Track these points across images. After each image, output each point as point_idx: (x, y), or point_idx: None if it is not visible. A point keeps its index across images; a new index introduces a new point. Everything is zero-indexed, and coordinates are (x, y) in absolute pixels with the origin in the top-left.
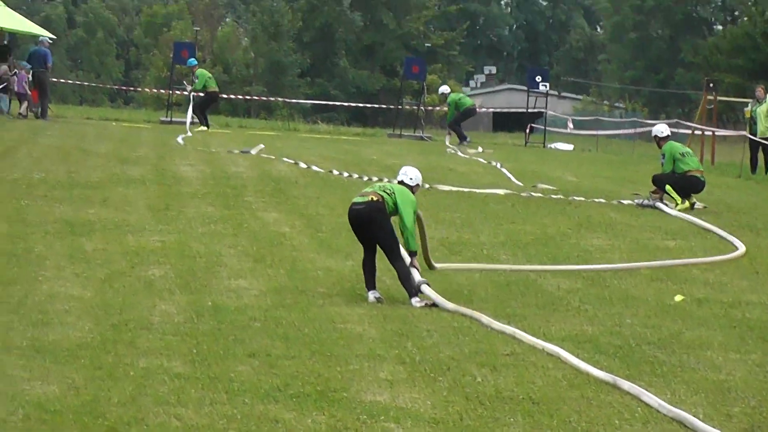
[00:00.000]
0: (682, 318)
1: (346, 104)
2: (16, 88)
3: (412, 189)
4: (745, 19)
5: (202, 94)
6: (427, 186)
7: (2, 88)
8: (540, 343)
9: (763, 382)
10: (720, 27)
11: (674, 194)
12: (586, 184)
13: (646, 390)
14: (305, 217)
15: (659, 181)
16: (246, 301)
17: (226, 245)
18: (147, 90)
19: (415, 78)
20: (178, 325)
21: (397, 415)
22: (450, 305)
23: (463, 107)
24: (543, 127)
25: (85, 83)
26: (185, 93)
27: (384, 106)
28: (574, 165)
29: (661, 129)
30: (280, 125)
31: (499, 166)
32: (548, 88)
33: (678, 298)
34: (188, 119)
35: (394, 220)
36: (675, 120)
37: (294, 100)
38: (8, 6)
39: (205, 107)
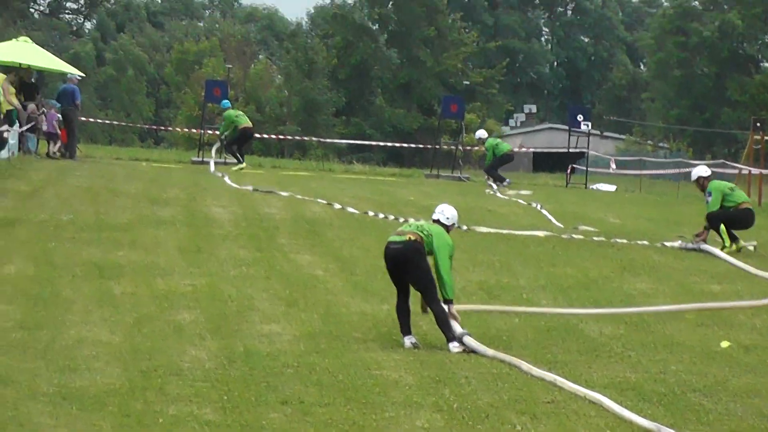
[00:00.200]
0: (729, 364)
1: (382, 144)
2: (45, 128)
3: (448, 228)
4: None
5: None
6: (464, 227)
7: (30, 127)
8: (582, 390)
9: None
10: (767, 64)
11: (725, 236)
12: (629, 225)
13: None
14: (340, 259)
15: (714, 219)
16: (278, 347)
17: (258, 289)
18: (178, 129)
19: (453, 117)
20: (208, 371)
21: None
22: (489, 351)
23: (501, 153)
24: (585, 168)
25: (115, 122)
26: (218, 133)
27: (421, 145)
28: (617, 206)
29: (703, 169)
30: (315, 165)
31: (539, 207)
32: (590, 127)
33: (724, 344)
34: (212, 159)
35: (429, 261)
36: (721, 160)
37: (328, 140)
38: (36, 43)
39: (240, 144)
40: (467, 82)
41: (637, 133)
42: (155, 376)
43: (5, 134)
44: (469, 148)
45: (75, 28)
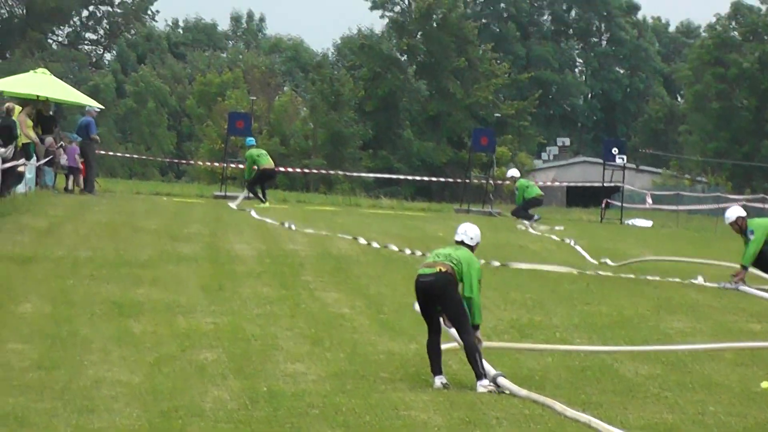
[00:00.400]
0: None
1: (410, 178)
2: (65, 162)
3: (473, 248)
4: None
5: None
6: (497, 264)
7: (48, 161)
8: None
9: None
10: None
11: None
12: (665, 262)
13: None
14: (366, 297)
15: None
16: (303, 387)
17: (282, 327)
18: (200, 163)
19: (484, 150)
20: (231, 412)
21: None
22: (522, 391)
23: (530, 196)
24: (620, 203)
25: (135, 156)
26: (241, 166)
27: (451, 179)
28: (653, 242)
29: (739, 209)
30: (341, 200)
31: (572, 243)
32: (625, 160)
33: (765, 384)
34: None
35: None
36: (761, 195)
37: (355, 174)
38: (54, 75)
39: (260, 183)
40: (498, 115)
41: (674, 166)
42: (176, 418)
43: (22, 168)
44: (500, 182)
45: (94, 60)
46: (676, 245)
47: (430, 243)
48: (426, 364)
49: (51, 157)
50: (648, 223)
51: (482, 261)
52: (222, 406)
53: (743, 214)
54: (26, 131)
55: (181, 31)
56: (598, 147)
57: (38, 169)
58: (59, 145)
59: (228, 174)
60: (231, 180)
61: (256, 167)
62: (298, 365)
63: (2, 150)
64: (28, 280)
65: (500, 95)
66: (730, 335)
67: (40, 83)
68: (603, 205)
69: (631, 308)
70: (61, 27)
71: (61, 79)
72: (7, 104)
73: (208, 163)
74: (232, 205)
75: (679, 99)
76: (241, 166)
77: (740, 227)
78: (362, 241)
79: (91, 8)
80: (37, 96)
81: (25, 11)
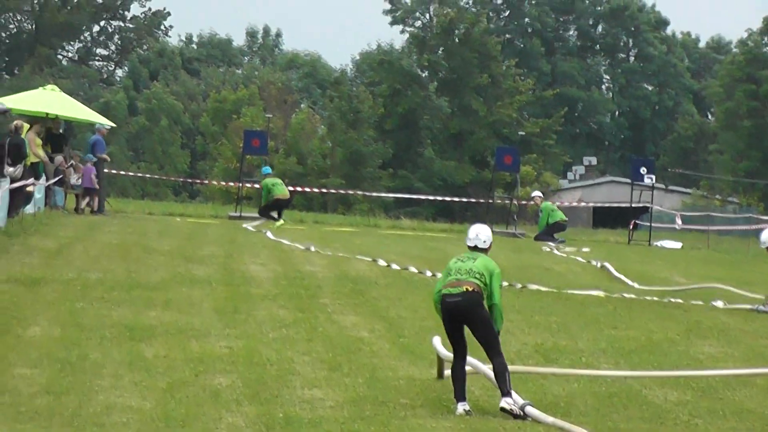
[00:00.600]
0: None
1: (431, 198)
2: (75, 181)
3: (486, 251)
4: None
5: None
6: (519, 286)
7: (57, 180)
8: None
9: None
10: None
11: None
12: (696, 282)
13: None
14: (386, 320)
15: None
16: (321, 413)
17: (299, 352)
18: (214, 182)
19: (508, 169)
20: None
21: None
22: (548, 418)
23: (554, 221)
24: (648, 223)
25: (147, 175)
26: (257, 186)
27: (473, 200)
28: (683, 264)
29: None
30: (360, 221)
31: (598, 265)
32: (654, 180)
33: None
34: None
35: None
36: None
37: (374, 194)
38: (64, 92)
39: (273, 210)
40: (522, 133)
41: (705, 186)
42: None
43: (31, 188)
44: (524, 202)
45: (105, 76)
46: (707, 268)
47: None
48: (448, 390)
49: (61, 176)
50: (677, 245)
51: (518, 285)
52: None
53: None
54: (35, 150)
55: (195, 47)
56: (626, 166)
57: (48, 189)
58: (69, 164)
59: (243, 194)
60: (246, 200)
61: (272, 195)
62: (315, 391)
63: (11, 169)
64: (37, 302)
65: (524, 113)
66: (763, 360)
67: (50, 100)
68: (631, 226)
69: (660, 332)
70: (72, 42)
71: (71, 96)
72: (15, 122)
73: (223, 183)
74: (248, 226)
75: (709, 117)
76: (256, 186)
77: None
78: (381, 262)
79: (102, 23)
80: (47, 113)
81: (34, 26)
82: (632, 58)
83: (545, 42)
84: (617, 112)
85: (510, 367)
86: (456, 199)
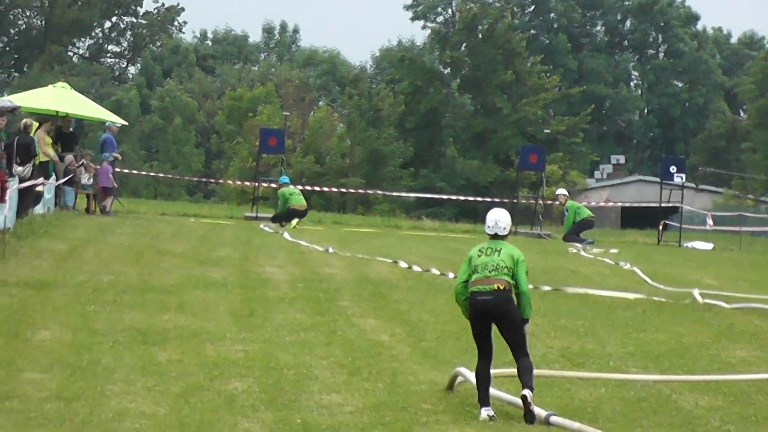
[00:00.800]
0: None
1: (454, 198)
2: (90, 181)
3: (506, 237)
4: None
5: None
6: (547, 288)
7: (67, 180)
8: None
9: None
10: None
11: None
12: (727, 288)
13: None
14: (407, 323)
15: None
16: (340, 419)
17: (317, 356)
18: (230, 182)
19: (533, 168)
20: None
21: None
22: (575, 424)
23: (580, 218)
24: (678, 224)
25: (161, 175)
26: (273, 186)
27: (497, 199)
28: (714, 267)
29: None
30: (380, 221)
31: (626, 266)
32: (684, 179)
33: None
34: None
35: None
36: None
37: (395, 194)
38: (75, 89)
39: (288, 219)
40: (548, 131)
41: (737, 186)
42: None
43: (40, 188)
44: (549, 202)
45: (117, 74)
46: (740, 270)
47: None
48: (471, 395)
49: (71, 176)
50: (708, 246)
51: (547, 287)
52: None
53: None
54: (45, 149)
55: (210, 43)
56: (655, 165)
57: (57, 189)
58: (80, 163)
59: (259, 194)
60: (263, 200)
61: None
62: (334, 396)
63: (20, 169)
64: (47, 306)
65: (550, 110)
66: None
67: (60, 98)
68: (660, 226)
69: (691, 336)
70: (82, 39)
71: (82, 93)
72: (24, 120)
73: (239, 183)
74: (265, 226)
75: (741, 114)
76: (273, 185)
77: None
78: (402, 264)
79: (114, 19)
80: (57, 111)
81: (44, 23)
82: (662, 55)
83: (572, 38)
84: (646, 110)
85: (535, 371)
86: (479, 199)
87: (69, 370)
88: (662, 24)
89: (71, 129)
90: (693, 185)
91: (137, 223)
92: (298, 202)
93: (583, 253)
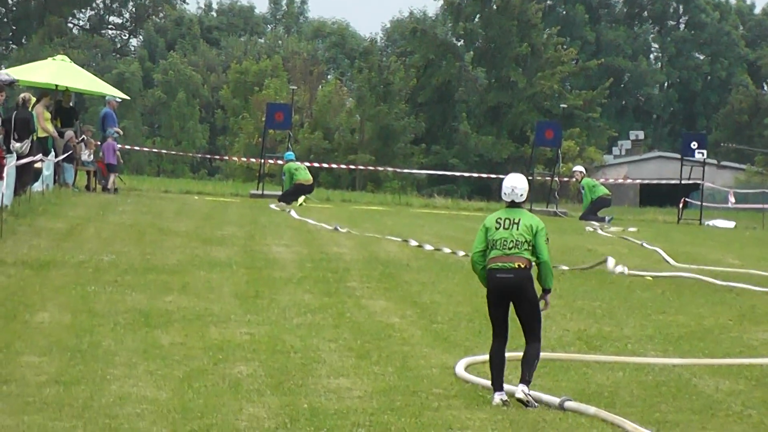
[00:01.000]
0: None
1: (467, 175)
2: (91, 158)
3: (523, 204)
4: None
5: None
6: (564, 267)
7: (67, 157)
8: None
9: None
10: None
11: None
12: (750, 267)
13: None
14: (418, 305)
15: None
16: (348, 404)
17: (325, 339)
18: (235, 159)
19: (549, 144)
20: None
21: None
22: (590, 409)
23: (597, 196)
24: (699, 202)
25: (164, 151)
26: (279, 162)
27: None
28: (737, 246)
29: None
30: (391, 199)
31: (643, 244)
32: (705, 155)
33: None
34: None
35: None
36: None
37: (406, 171)
38: (75, 63)
39: (295, 196)
40: (565, 106)
41: (760, 162)
42: None
43: (39, 165)
44: (566, 179)
45: (119, 46)
46: (763, 249)
47: None
48: (484, 378)
49: (71, 152)
50: (730, 224)
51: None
52: (258, 426)
53: None
54: (44, 124)
55: (215, 15)
56: (676, 141)
57: (57, 166)
58: (80, 139)
59: (266, 171)
60: (269, 177)
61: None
62: (342, 380)
63: (18, 145)
64: (46, 287)
65: (567, 84)
66: None
67: (60, 72)
68: (681, 204)
69: (712, 318)
70: (83, 10)
71: (83, 67)
72: (23, 95)
73: (244, 159)
74: (274, 205)
75: (765, 88)
76: (279, 162)
77: None
78: (413, 243)
79: None
80: (56, 86)
81: None
82: (682, 26)
83: (589, 9)
84: (666, 84)
85: (550, 355)
86: (493, 176)
87: (68, 353)
88: None
89: (71, 104)
90: (714, 162)
91: (139, 201)
92: (305, 176)
93: (600, 231)
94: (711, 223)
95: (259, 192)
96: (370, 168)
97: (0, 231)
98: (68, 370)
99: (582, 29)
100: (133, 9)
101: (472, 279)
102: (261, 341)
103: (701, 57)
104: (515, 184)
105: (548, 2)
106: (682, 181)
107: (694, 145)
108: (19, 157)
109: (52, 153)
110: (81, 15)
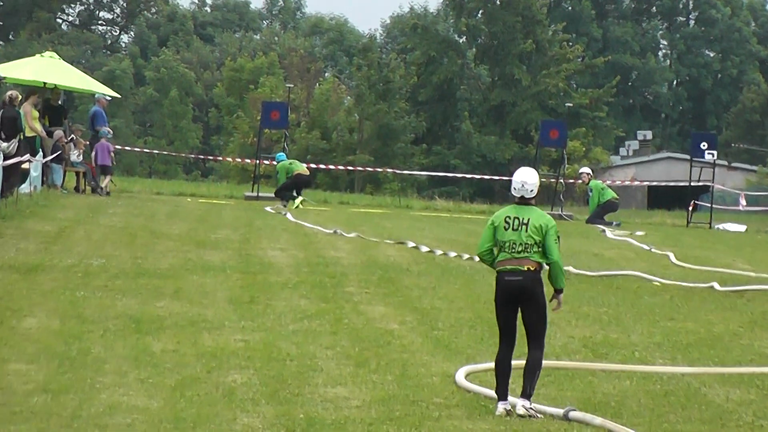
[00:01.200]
0: None
1: (469, 176)
2: (80, 159)
3: (534, 200)
4: None
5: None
6: (573, 270)
7: (56, 157)
8: None
9: None
10: None
11: None
12: (761, 272)
13: None
14: (418, 311)
15: None
16: (346, 414)
17: (322, 346)
18: (229, 159)
19: (554, 144)
20: None
21: None
22: (596, 419)
23: (605, 199)
24: (709, 204)
25: (156, 151)
26: (275, 163)
27: None
28: (748, 250)
29: None
30: (390, 201)
31: (651, 249)
32: (716, 156)
33: None
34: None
35: None
36: None
37: (406, 172)
38: (64, 59)
39: (292, 190)
40: (570, 104)
41: None
42: None
43: (26, 165)
44: (571, 181)
45: (110, 42)
46: None
47: None
48: (487, 387)
49: (59, 152)
50: (741, 228)
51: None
52: None
53: None
54: (31, 123)
55: (209, 10)
56: (685, 141)
57: (45, 167)
58: (69, 138)
59: (261, 172)
60: (264, 179)
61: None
62: (339, 389)
63: (4, 144)
64: (33, 291)
65: (572, 82)
66: None
67: (48, 69)
68: (690, 207)
69: (722, 324)
70: (72, 5)
71: (72, 64)
72: (10, 92)
73: (239, 160)
74: (269, 208)
75: None
76: (275, 163)
77: None
78: (412, 245)
79: None
80: (45, 83)
81: None
82: (692, 22)
83: (596, 4)
84: (675, 82)
85: (555, 363)
86: (496, 177)
87: (57, 360)
88: None
89: (60, 102)
90: (725, 163)
91: (130, 203)
92: (301, 168)
93: (609, 234)
94: (721, 226)
95: (255, 194)
96: (369, 169)
97: None
98: (56, 378)
99: (588, 25)
100: (124, 4)
101: (473, 284)
102: (256, 348)
103: (711, 54)
104: (526, 178)
105: None
106: (692, 183)
107: (703, 145)
108: (5, 158)
109: (40, 153)
110: (70, 10)
